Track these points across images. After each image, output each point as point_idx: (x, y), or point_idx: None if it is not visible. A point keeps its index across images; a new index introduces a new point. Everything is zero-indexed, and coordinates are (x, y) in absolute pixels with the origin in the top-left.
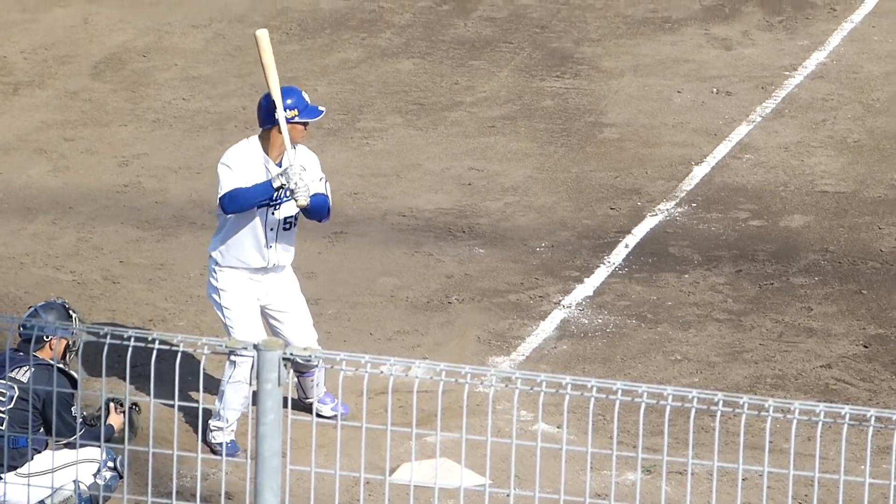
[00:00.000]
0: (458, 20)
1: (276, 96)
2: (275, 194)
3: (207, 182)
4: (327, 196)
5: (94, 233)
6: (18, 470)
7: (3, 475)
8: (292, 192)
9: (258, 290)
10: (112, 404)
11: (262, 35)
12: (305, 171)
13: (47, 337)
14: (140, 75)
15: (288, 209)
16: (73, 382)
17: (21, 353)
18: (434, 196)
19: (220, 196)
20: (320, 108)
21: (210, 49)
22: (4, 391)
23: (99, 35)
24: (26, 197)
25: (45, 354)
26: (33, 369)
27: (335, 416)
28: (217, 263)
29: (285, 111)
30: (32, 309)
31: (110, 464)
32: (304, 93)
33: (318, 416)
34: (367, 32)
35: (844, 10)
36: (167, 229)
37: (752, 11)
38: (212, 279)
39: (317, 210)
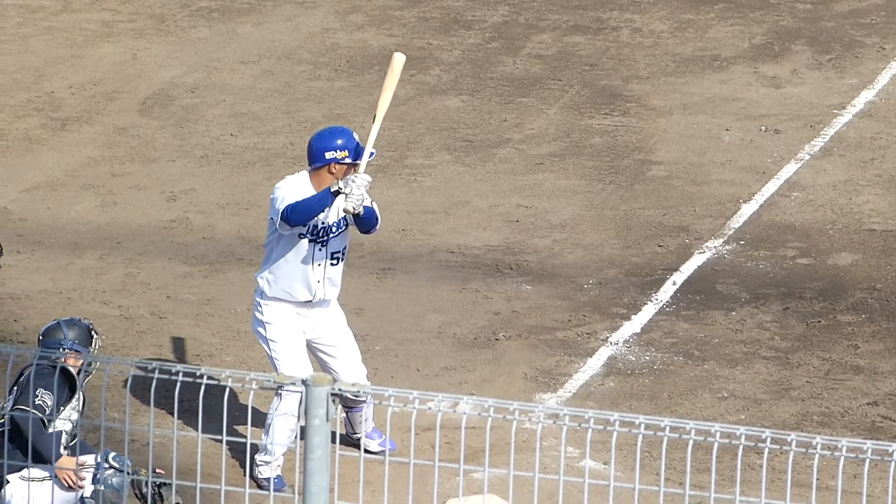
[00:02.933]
0: (506, 57)
1: (377, 123)
2: (333, 200)
3: (255, 218)
4: (374, 209)
5: (141, 268)
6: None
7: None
8: (346, 195)
9: (304, 324)
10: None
11: (400, 59)
12: (367, 185)
13: (63, 350)
14: (188, 111)
15: (339, 209)
16: (72, 384)
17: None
18: (482, 233)
19: (282, 210)
20: (372, 149)
21: (259, 86)
22: (10, 397)
23: (147, 71)
24: (74, 232)
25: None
26: (34, 367)
27: (382, 451)
28: (263, 295)
29: (335, 151)
30: (56, 322)
31: (105, 464)
32: (355, 133)
33: (366, 451)
34: (416, 69)
35: (894, 49)
36: (215, 265)
37: (801, 50)
38: (257, 313)
39: (366, 220)
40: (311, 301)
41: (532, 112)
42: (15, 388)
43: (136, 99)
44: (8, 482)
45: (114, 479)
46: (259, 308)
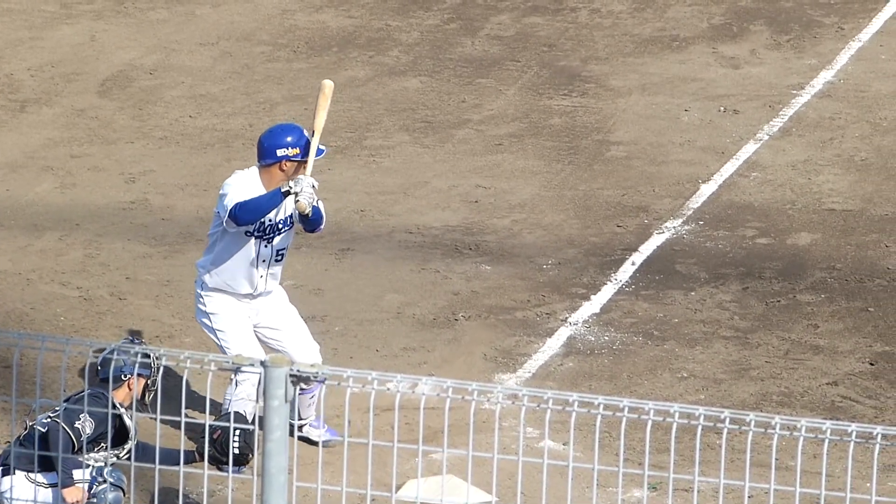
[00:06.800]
0: (465, 38)
1: (316, 137)
2: (282, 201)
3: (214, 199)
4: (320, 209)
5: (101, 249)
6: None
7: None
8: (297, 194)
9: (247, 310)
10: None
11: (329, 85)
12: (315, 187)
13: (125, 376)
14: (147, 93)
15: (289, 208)
16: (123, 434)
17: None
18: (441, 213)
19: (230, 207)
20: (321, 146)
21: (217, 67)
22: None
23: (106, 53)
24: (33, 214)
25: (120, 395)
26: (91, 392)
27: (325, 441)
28: (203, 286)
29: (287, 149)
30: (111, 348)
31: (100, 478)
32: (306, 131)
33: (306, 439)
34: (375, 50)
35: (852, 30)
36: (174, 246)
37: (759, 30)
38: (199, 304)
39: (313, 220)
40: (252, 294)
41: (491, 93)
42: (66, 402)
43: (94, 80)
44: (14, 474)
45: (109, 494)
46: (201, 299)
